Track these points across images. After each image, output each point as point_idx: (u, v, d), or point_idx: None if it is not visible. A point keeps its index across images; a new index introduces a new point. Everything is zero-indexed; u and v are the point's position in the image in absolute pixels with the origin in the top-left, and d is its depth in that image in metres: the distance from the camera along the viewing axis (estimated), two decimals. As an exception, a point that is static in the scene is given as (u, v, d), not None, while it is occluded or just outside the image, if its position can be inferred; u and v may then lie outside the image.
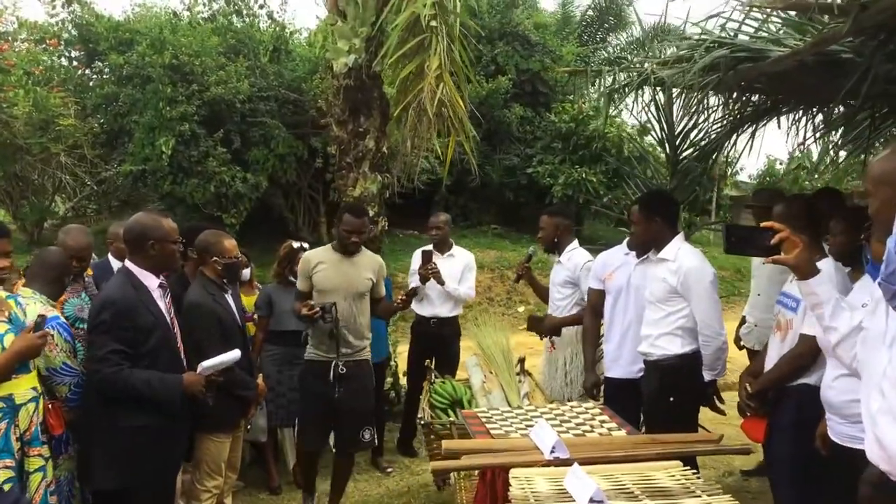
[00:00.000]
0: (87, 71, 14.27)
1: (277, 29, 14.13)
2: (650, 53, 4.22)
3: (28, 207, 13.57)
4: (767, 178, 21.86)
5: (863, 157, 5.30)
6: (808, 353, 3.18)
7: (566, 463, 2.65)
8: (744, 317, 5.41)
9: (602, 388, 4.55)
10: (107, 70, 13.58)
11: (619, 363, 4.44)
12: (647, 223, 4.01)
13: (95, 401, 3.35)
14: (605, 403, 4.47)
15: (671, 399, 3.82)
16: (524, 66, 16.67)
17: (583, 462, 2.66)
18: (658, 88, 4.29)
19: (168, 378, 3.42)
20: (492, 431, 3.08)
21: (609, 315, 4.50)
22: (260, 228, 13.02)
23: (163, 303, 3.53)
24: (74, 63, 14.07)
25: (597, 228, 17.61)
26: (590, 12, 21.55)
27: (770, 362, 3.45)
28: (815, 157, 21.98)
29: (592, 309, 4.67)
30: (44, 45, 13.66)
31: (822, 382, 3.03)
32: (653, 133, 4.83)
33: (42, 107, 11.19)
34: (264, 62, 13.16)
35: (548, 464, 2.65)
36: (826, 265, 3.18)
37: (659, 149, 6.14)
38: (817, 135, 5.13)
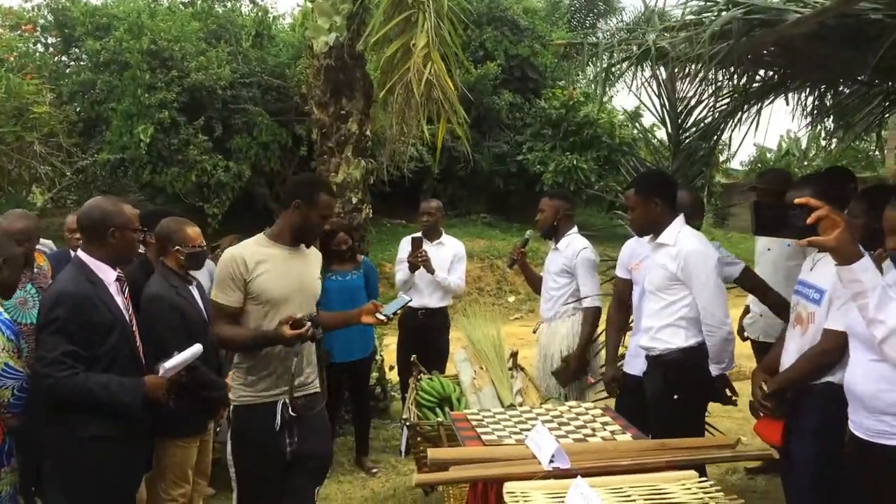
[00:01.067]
0: (64, 57, 13.89)
1: (260, 13, 13.80)
2: (651, 25, 3.88)
3: (4, 199, 13.17)
4: (758, 165, 21.68)
5: (875, 133, 5.02)
6: (834, 350, 2.87)
7: (567, 474, 2.35)
8: (747, 306, 5.12)
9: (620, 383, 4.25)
10: (83, 56, 13.23)
11: (640, 359, 4.10)
12: (645, 206, 3.67)
13: (44, 407, 3.02)
14: (617, 399, 4.22)
15: (676, 397, 3.52)
16: (513, 51, 16.38)
17: (586, 473, 2.36)
18: (659, 63, 3.94)
19: (128, 382, 3.09)
20: (483, 437, 2.77)
21: (636, 307, 4.16)
22: (243, 219, 12.65)
23: (120, 298, 3.20)
24: (50, 49, 13.68)
25: (588, 216, 17.30)
26: (579, -3, 21.28)
27: (788, 358, 3.13)
28: (804, 144, 22.03)
29: (618, 299, 4.37)
30: (19, 32, 13.27)
31: (847, 371, 2.72)
32: (652, 112, 4.52)
33: (16, 94, 10.81)
34: (246, 47, 12.83)
35: (546, 475, 2.35)
36: None
37: (657, 130, 5.85)
38: (828, 113, 4.83)
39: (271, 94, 12.73)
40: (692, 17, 3.46)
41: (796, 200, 2.23)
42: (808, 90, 4.90)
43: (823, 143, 20.09)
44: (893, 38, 2.69)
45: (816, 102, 5.13)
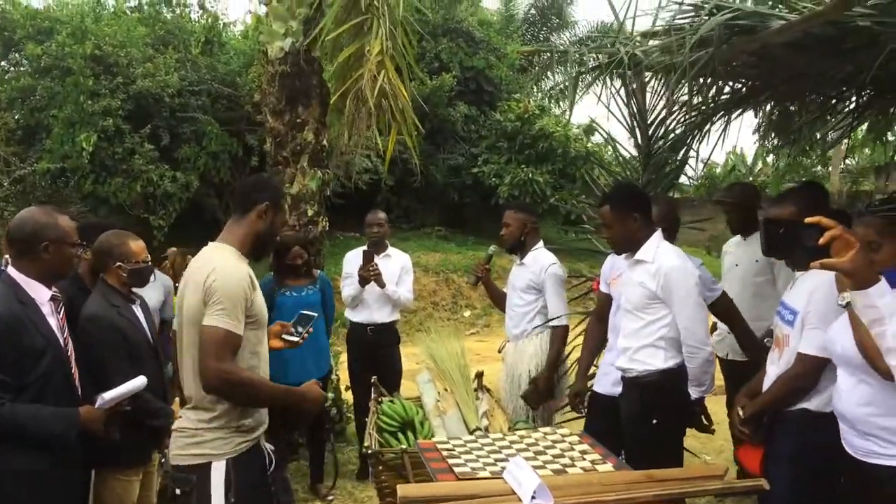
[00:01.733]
0: (3, 62, 13.40)
1: (210, 20, 13.44)
2: (622, 34, 3.74)
3: (-63, 210, 12.57)
4: (706, 181, 21.95)
5: (844, 144, 4.97)
6: (806, 375, 2.77)
7: (551, 512, 2.16)
8: (714, 323, 5.00)
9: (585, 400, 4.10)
10: (24, 61, 12.75)
11: (610, 377, 3.95)
12: (623, 222, 3.47)
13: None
14: (587, 419, 4.05)
15: (654, 421, 3.35)
16: (468, 63, 16.28)
17: (571, 511, 2.17)
18: (630, 72, 3.80)
19: (61, 413, 2.80)
20: (456, 470, 2.56)
21: (612, 323, 4.00)
22: (190, 231, 12.24)
23: (54, 319, 2.90)
24: (-12, 54, 13.17)
25: (545, 229, 17.29)
26: (532, 11, 21.33)
27: (768, 382, 3.01)
28: (749, 160, 22.45)
29: (598, 314, 4.22)
30: (-44, 35, 12.73)
31: (834, 391, 2.60)
32: (622, 122, 4.38)
33: (-50, 100, 10.34)
34: (195, 54, 12.53)
35: (529, 515, 2.16)
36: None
37: (610, 146, 5.74)
38: (794, 128, 4.77)
39: (221, 102, 12.41)
40: (663, 25, 3.33)
41: (807, 220, 2.07)
42: (773, 103, 4.84)
43: (769, 159, 20.54)
44: (889, 48, 2.57)
45: (779, 117, 5.10)
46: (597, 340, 4.22)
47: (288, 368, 4.97)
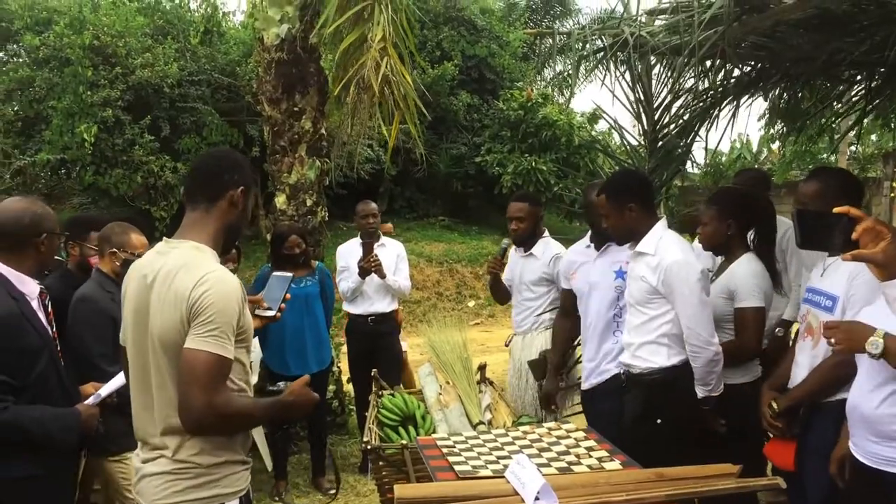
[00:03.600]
0: (1, 53, 13.26)
1: (209, 9, 13.29)
2: (627, 14, 3.62)
3: (-64, 204, 12.50)
4: (712, 169, 21.78)
5: (853, 133, 4.85)
6: (849, 363, 2.60)
7: (556, 513, 2.06)
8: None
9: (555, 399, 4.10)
10: (21, 52, 12.66)
11: (592, 373, 3.90)
12: (619, 213, 3.33)
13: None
14: (587, 419, 3.97)
15: (658, 421, 3.22)
16: (470, 51, 16.12)
17: (577, 512, 2.07)
18: (636, 54, 3.68)
19: (61, 414, 2.71)
20: (457, 468, 2.46)
21: (583, 321, 3.93)
22: (192, 222, 12.22)
23: (43, 314, 2.81)
24: (-14, 45, 13.07)
25: (548, 219, 17.18)
26: (535, -1, 21.17)
27: (800, 372, 2.87)
28: (755, 147, 22.29)
29: (562, 310, 4.12)
30: (-47, 27, 12.62)
31: (853, 387, 2.47)
32: (627, 107, 4.26)
33: (-52, 92, 10.25)
34: (195, 44, 12.40)
35: (532, 516, 2.06)
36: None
37: (616, 132, 5.63)
38: (805, 112, 4.64)
39: (221, 92, 12.30)
40: (670, 2, 3.21)
41: (835, 210, 1.96)
42: (784, 87, 4.72)
43: (775, 146, 20.39)
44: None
45: (787, 103, 4.97)
46: (562, 337, 4.18)
47: (289, 361, 4.90)
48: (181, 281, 2.08)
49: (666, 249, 3.23)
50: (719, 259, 3.65)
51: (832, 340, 2.25)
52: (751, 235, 3.55)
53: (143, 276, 2.17)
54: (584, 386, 3.96)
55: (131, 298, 2.22)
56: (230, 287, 2.11)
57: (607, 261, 3.87)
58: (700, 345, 3.15)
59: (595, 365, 3.87)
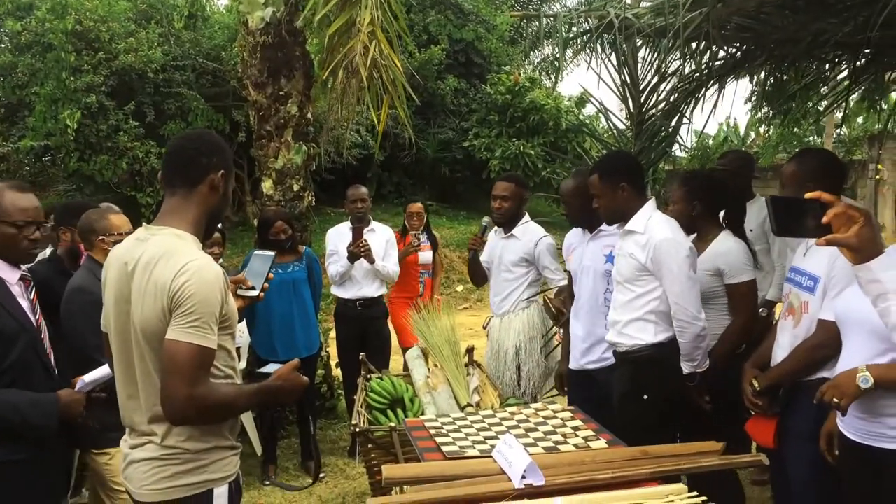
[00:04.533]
0: (-18, 39, 13.10)
1: (193, -7, 13.17)
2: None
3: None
4: (699, 152, 21.81)
5: (839, 114, 4.86)
6: (829, 343, 2.64)
7: (542, 492, 2.08)
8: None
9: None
10: (3, 38, 12.51)
11: (576, 351, 3.93)
12: (612, 192, 3.38)
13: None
14: (569, 397, 4.01)
15: (645, 397, 3.27)
16: (457, 35, 16.06)
17: (563, 490, 2.09)
18: (621, 36, 3.67)
19: (40, 399, 2.69)
20: (444, 449, 2.47)
21: (575, 301, 3.97)
22: (178, 208, 12.15)
23: (26, 301, 2.79)
24: (-33, 31, 12.91)
25: (536, 203, 17.19)
26: (523, -19, 21.08)
27: (781, 351, 2.91)
28: (742, 131, 22.33)
29: (569, 290, 4.16)
30: (-67, 12, 12.46)
31: (838, 365, 2.49)
32: (613, 90, 4.26)
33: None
34: (179, 29, 12.28)
35: (519, 495, 2.07)
36: None
37: (602, 115, 5.63)
38: (790, 94, 4.66)
39: (206, 77, 12.21)
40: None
41: (807, 195, 1.97)
42: (768, 69, 4.73)
43: (762, 129, 20.43)
44: (892, 4, 2.44)
45: (773, 82, 4.99)
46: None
47: (277, 346, 4.91)
48: (161, 271, 2.05)
49: (655, 227, 3.29)
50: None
51: (834, 401, 2.31)
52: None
53: (124, 263, 2.15)
54: (573, 366, 3.99)
55: (112, 286, 2.20)
56: (212, 276, 2.07)
57: (599, 244, 3.90)
58: (687, 320, 3.21)
59: (587, 346, 3.90)
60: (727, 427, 3.08)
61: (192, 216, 2.19)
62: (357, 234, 5.20)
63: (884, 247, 1.98)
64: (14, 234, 2.71)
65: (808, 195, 1.96)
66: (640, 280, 3.33)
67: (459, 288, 13.08)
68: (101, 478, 3.30)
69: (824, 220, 1.92)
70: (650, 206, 3.38)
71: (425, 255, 5.99)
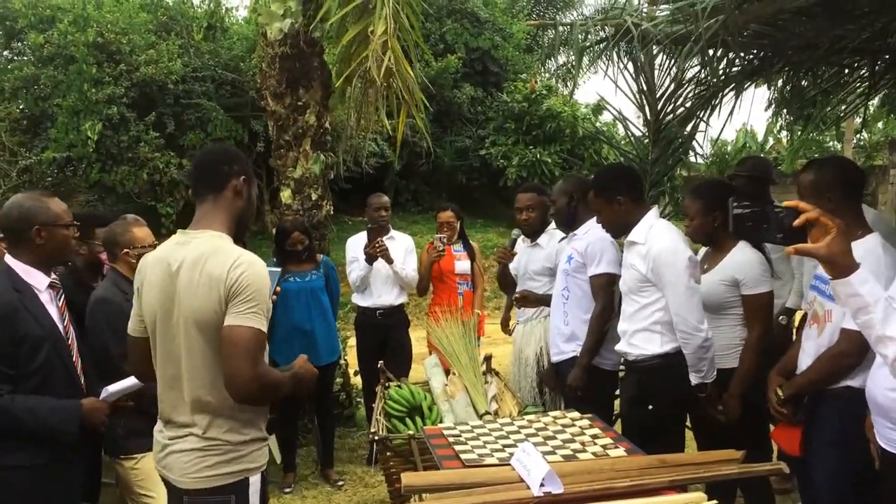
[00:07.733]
0: (5, 52, 13.31)
1: (212, 5, 13.30)
2: (629, 4, 3.63)
3: (-56, 202, 12.54)
4: (717, 159, 21.70)
5: (858, 118, 4.83)
6: (852, 352, 2.62)
7: (561, 500, 2.08)
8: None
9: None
10: (26, 50, 12.68)
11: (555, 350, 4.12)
12: (610, 207, 3.43)
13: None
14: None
15: (650, 407, 3.27)
16: (474, 44, 16.08)
17: (581, 498, 2.10)
18: (638, 44, 3.67)
19: (61, 406, 2.74)
20: (463, 456, 2.49)
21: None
22: (198, 218, 12.24)
23: (54, 307, 2.84)
24: (-9, 44, 13.09)
25: (552, 211, 17.14)
26: (539, -10, 21.10)
27: (806, 359, 2.88)
28: (760, 137, 22.20)
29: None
30: (-42, 26, 12.66)
31: (870, 374, 2.46)
32: (630, 97, 4.26)
33: (-47, 91, 10.28)
34: (198, 40, 12.39)
35: (538, 503, 2.08)
36: (870, 243, 2.62)
37: (620, 123, 5.63)
38: (807, 99, 4.63)
39: (225, 88, 12.31)
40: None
41: (785, 203, 1.95)
42: (787, 75, 4.71)
43: (782, 135, 20.29)
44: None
45: (790, 88, 4.96)
46: None
47: (296, 354, 4.91)
48: (214, 265, 2.22)
49: (655, 237, 3.30)
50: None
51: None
52: None
53: (168, 264, 2.29)
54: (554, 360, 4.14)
55: (154, 286, 2.33)
56: (262, 269, 2.27)
57: (570, 246, 4.02)
58: (689, 331, 3.21)
59: (552, 339, 4.10)
60: (752, 434, 3.07)
61: (222, 220, 2.38)
62: (373, 235, 5.22)
63: (858, 263, 1.94)
64: (69, 236, 2.88)
65: (786, 203, 1.94)
66: (644, 291, 3.35)
67: (477, 296, 13.06)
68: (127, 483, 3.34)
69: (797, 222, 1.89)
70: (652, 216, 3.40)
71: (462, 265, 5.74)
